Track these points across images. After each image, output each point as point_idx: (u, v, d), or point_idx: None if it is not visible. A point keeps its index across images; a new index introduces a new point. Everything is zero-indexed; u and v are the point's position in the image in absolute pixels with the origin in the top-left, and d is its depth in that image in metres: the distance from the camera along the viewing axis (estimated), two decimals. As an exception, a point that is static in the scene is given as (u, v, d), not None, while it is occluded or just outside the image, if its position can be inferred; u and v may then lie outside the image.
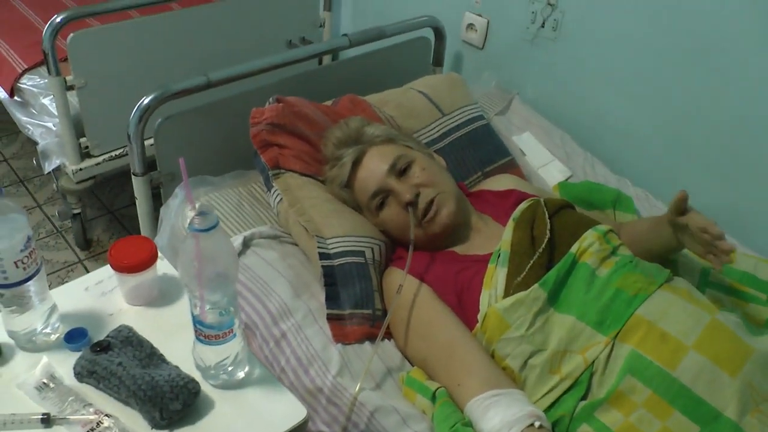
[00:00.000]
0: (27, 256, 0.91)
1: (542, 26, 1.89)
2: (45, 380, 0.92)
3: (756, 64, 1.49)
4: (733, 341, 1.04)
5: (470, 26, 2.10)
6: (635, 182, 1.73)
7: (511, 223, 1.25)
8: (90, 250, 2.38)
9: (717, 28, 1.53)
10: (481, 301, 1.17)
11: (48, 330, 0.99)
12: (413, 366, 1.22)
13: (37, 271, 0.94)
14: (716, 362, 1.01)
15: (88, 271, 2.20)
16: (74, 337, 0.99)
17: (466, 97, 1.77)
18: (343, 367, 1.18)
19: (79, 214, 2.26)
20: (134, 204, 1.63)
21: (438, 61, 2.10)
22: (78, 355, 0.95)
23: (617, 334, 1.07)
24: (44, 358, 0.95)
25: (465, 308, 1.20)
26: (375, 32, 1.88)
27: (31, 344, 0.98)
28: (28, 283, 0.93)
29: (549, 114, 1.92)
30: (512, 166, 1.70)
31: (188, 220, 0.83)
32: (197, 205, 0.82)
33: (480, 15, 2.06)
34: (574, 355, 1.08)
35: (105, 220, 2.53)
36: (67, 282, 1.18)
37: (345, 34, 1.84)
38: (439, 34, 2.05)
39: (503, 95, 1.98)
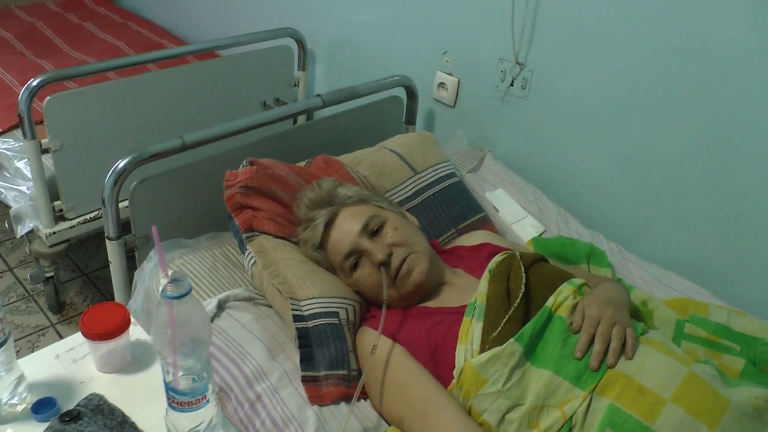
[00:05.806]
0: (-6, 326, 0.90)
1: (512, 84, 1.93)
2: (10, 453, 0.90)
3: (726, 116, 1.52)
4: (710, 393, 1.05)
5: (441, 85, 2.14)
6: (608, 236, 1.74)
7: (486, 275, 1.25)
8: (63, 314, 2.33)
9: (686, 83, 1.56)
10: (457, 356, 1.16)
11: (14, 401, 0.97)
12: (390, 425, 1.20)
13: (5, 341, 0.93)
14: (695, 415, 1.01)
15: (60, 336, 2.16)
16: (43, 406, 0.97)
17: (438, 155, 1.79)
18: (320, 428, 1.17)
19: (51, 277, 2.22)
20: (109, 266, 1.61)
21: (410, 120, 2.13)
22: (46, 425, 0.92)
23: (595, 387, 1.07)
24: (8, 431, 0.93)
25: (439, 364, 1.20)
26: (348, 92, 1.91)
27: (-4, 416, 0.96)
28: (-5, 353, 0.92)
29: (521, 170, 1.94)
30: (485, 223, 1.71)
31: (161, 287, 0.83)
32: (170, 273, 0.82)
33: (451, 74, 2.11)
34: (552, 409, 1.08)
35: (79, 283, 2.49)
36: (37, 347, 1.16)
37: (318, 95, 1.86)
38: (411, 93, 2.08)
39: (475, 152, 2.01)
